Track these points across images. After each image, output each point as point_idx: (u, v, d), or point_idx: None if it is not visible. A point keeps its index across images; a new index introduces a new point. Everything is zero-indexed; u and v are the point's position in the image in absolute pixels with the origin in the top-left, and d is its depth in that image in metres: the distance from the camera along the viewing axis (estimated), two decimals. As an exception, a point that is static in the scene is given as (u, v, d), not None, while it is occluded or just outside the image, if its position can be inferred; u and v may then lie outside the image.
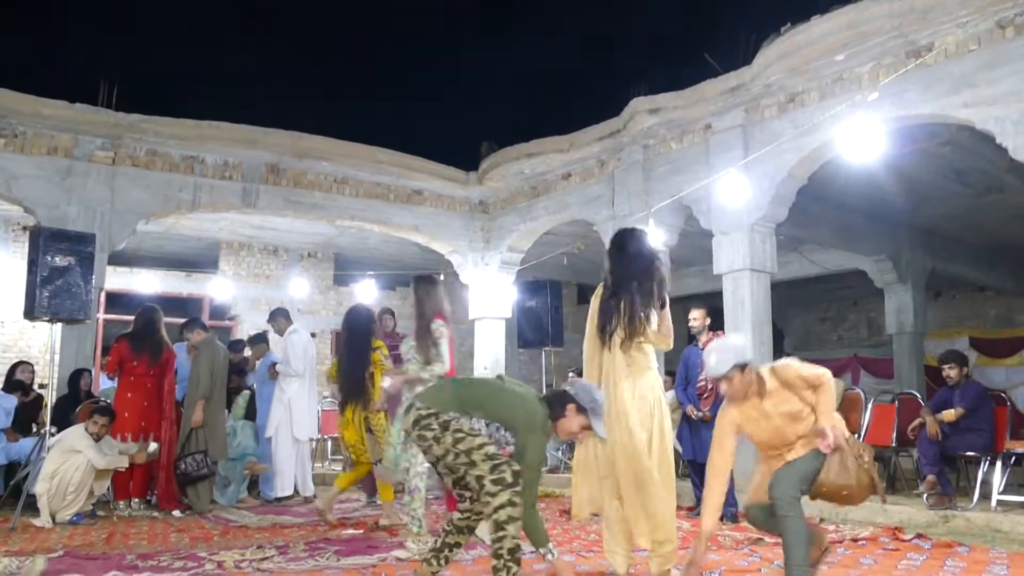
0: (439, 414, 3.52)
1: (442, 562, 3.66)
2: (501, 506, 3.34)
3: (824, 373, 3.64)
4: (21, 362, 8.11)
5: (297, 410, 7.51)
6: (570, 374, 5.29)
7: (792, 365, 3.71)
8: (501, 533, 3.32)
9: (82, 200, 8.08)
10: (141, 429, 6.62)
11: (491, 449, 3.47)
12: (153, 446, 6.54)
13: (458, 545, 3.71)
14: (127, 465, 6.26)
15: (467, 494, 3.66)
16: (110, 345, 6.94)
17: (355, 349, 5.99)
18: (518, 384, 3.74)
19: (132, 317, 7.08)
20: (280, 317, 7.71)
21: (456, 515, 3.70)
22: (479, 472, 3.41)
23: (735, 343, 3.87)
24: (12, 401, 6.88)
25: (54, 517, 5.82)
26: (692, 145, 7.96)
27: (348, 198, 9.80)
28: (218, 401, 6.91)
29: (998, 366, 13.09)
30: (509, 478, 3.38)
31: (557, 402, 3.63)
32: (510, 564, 3.30)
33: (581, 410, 3.60)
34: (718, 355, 3.67)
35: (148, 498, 6.82)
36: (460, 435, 3.46)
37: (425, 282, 5.51)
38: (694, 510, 6.43)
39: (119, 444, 6.40)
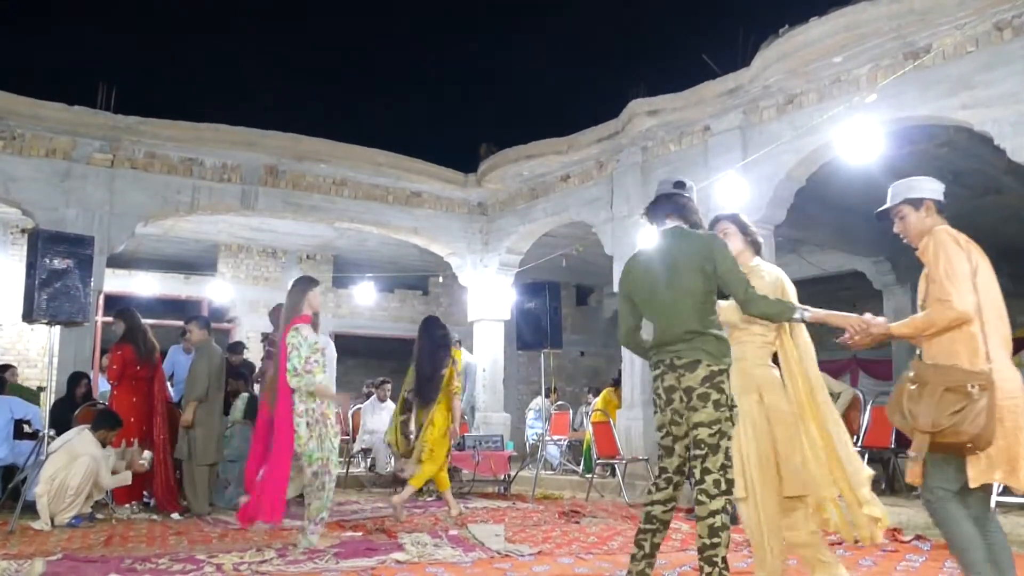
0: (727, 371, 3.26)
1: (652, 567, 3.38)
2: (716, 511, 3.18)
3: (946, 298, 2.89)
4: (7, 365, 8.12)
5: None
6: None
7: (942, 253, 3.03)
8: (716, 540, 3.15)
9: (81, 202, 8.07)
10: (143, 433, 6.64)
11: (733, 448, 3.30)
12: (147, 454, 6.53)
13: (660, 543, 3.40)
14: (131, 481, 6.30)
15: (667, 478, 3.38)
16: (108, 349, 6.91)
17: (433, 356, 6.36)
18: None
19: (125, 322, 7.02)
20: None
21: (657, 508, 3.38)
22: (713, 463, 3.20)
23: (915, 178, 3.35)
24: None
25: (53, 520, 5.81)
26: (691, 147, 7.97)
27: (347, 200, 9.81)
28: (214, 403, 6.91)
29: (997, 367, 13.09)
30: (726, 486, 3.22)
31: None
32: (724, 573, 3.15)
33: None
34: (893, 189, 3.28)
35: (145, 500, 6.81)
36: (727, 415, 3.22)
37: None
38: (693, 511, 6.43)
39: (118, 452, 6.39)
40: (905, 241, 3.31)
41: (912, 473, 2.93)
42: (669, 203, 3.56)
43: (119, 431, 6.37)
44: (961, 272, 2.92)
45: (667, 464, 3.39)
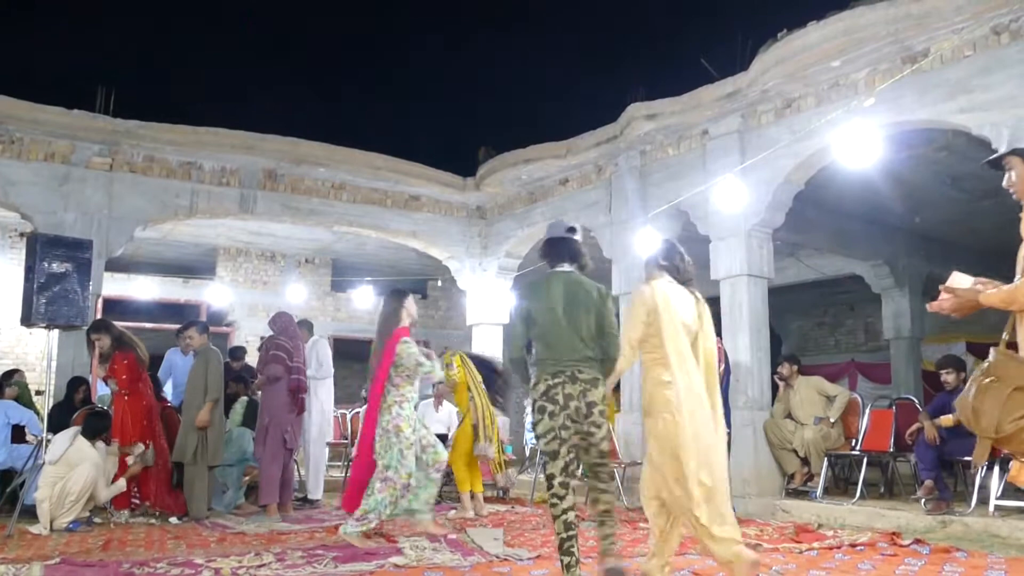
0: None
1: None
2: (614, 496, 3.98)
3: None
4: (14, 370, 8.11)
5: (329, 412, 7.95)
6: None
7: None
8: (613, 520, 3.89)
9: (79, 206, 8.07)
10: (148, 436, 6.67)
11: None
12: (150, 452, 6.55)
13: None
14: (125, 488, 6.33)
15: (563, 482, 3.82)
16: (111, 359, 6.91)
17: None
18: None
19: (130, 323, 7.07)
20: (304, 329, 7.78)
21: (571, 515, 3.80)
22: (611, 467, 3.95)
23: None
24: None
25: (51, 524, 5.80)
26: (689, 151, 7.97)
27: (345, 204, 9.80)
28: (217, 406, 6.92)
29: (995, 371, 13.07)
30: None
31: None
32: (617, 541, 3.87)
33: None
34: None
35: (135, 502, 6.76)
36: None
37: None
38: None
39: (115, 447, 6.42)
40: (1015, 197, 2.88)
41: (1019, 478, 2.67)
42: (566, 248, 4.15)
43: (132, 432, 6.44)
44: None
45: (554, 469, 3.81)
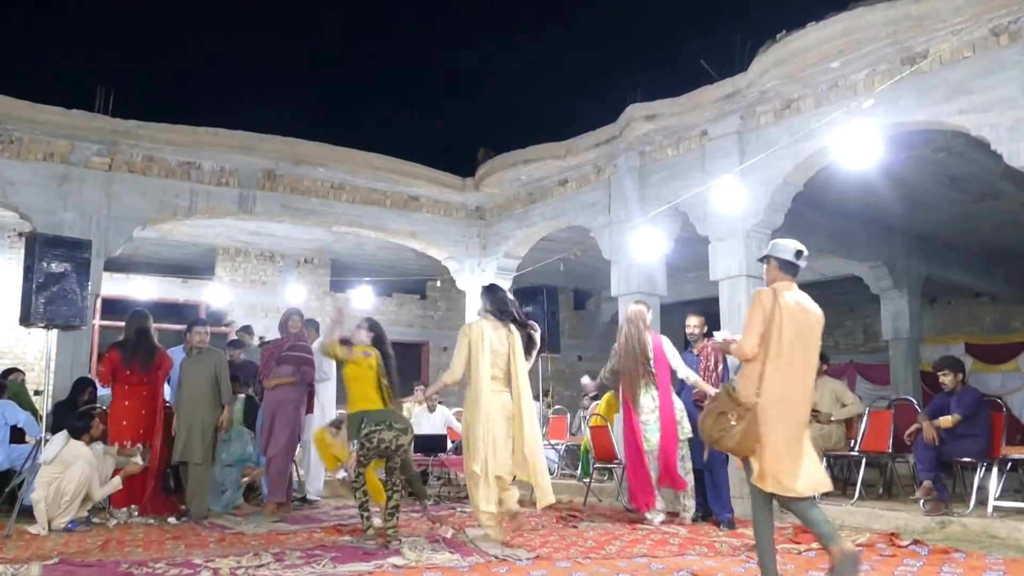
0: None
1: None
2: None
3: (741, 341, 3.82)
4: (12, 369, 8.10)
5: (330, 414, 7.91)
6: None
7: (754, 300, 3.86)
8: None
9: (78, 206, 8.06)
10: (140, 437, 6.62)
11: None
12: (139, 456, 6.51)
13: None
14: (122, 487, 6.29)
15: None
16: (103, 353, 6.93)
17: None
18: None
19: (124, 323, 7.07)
20: (311, 328, 7.85)
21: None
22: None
23: (781, 240, 4.02)
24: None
25: (49, 524, 5.80)
26: (688, 152, 7.97)
27: (344, 204, 9.80)
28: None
29: (994, 372, 13.11)
30: None
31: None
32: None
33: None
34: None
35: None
36: None
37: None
38: (692, 519, 6.43)
39: (114, 450, 6.40)
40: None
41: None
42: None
43: (109, 431, 6.39)
44: (752, 322, 3.79)
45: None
